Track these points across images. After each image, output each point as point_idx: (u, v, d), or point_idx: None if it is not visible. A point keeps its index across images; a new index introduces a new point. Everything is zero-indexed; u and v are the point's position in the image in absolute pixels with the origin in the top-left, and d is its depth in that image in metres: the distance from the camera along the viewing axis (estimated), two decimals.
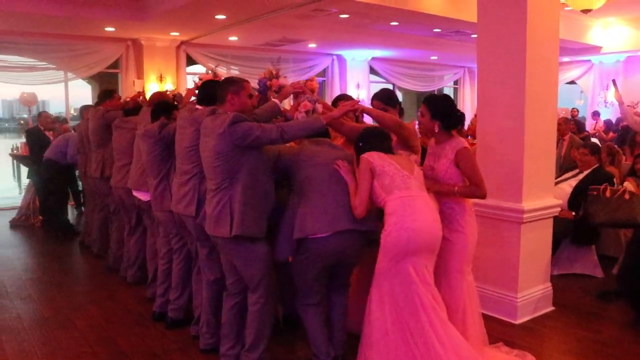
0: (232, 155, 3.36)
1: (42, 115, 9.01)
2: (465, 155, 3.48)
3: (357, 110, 3.69)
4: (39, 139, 8.41)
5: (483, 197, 3.52)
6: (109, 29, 10.31)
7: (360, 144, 3.44)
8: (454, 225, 3.56)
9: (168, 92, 6.52)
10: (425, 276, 3.22)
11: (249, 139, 3.33)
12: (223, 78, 4.52)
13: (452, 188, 3.51)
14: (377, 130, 3.58)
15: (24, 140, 9.97)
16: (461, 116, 3.58)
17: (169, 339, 4.29)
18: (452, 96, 18.50)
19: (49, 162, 7.83)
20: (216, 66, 4.96)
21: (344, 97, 4.56)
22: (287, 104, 4.31)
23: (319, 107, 3.78)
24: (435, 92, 17.64)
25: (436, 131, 3.56)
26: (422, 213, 3.20)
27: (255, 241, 3.47)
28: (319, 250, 3.40)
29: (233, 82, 3.62)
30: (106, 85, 14.03)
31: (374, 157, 3.32)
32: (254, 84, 4.34)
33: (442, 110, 3.54)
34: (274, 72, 4.62)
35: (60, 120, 9.60)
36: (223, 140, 3.34)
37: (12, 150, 10.69)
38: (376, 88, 15.14)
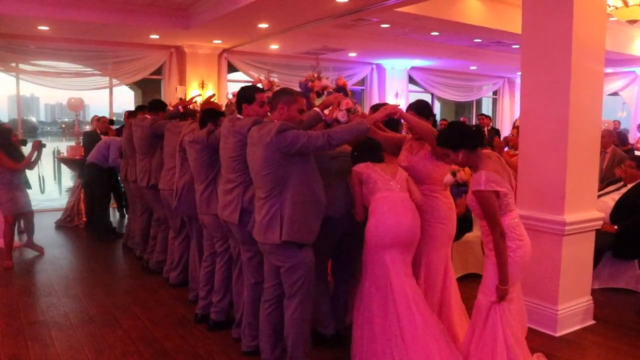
0: (281, 164, 3.43)
1: (102, 120, 9.28)
2: (478, 197, 3.31)
3: (396, 114, 3.75)
4: (95, 142, 8.54)
5: (502, 237, 3.29)
6: (154, 36, 10.57)
7: (355, 153, 3.89)
8: (489, 245, 3.45)
9: (180, 99, 6.71)
10: (401, 267, 3.64)
11: (295, 147, 3.39)
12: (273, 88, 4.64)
13: (499, 273, 3.35)
14: (370, 141, 3.93)
15: (68, 143, 10.27)
16: (477, 131, 3.45)
17: (212, 341, 4.39)
18: (491, 107, 18.37)
19: (91, 165, 8.02)
20: (270, 74, 5.01)
21: (380, 106, 4.61)
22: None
23: (359, 108, 3.85)
24: (474, 102, 17.58)
25: (461, 160, 3.43)
26: (398, 211, 3.64)
27: (302, 247, 3.54)
28: (335, 228, 3.92)
29: (288, 93, 3.65)
30: (149, 92, 14.38)
31: (361, 168, 3.78)
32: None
33: (458, 139, 3.39)
34: (315, 75, 4.68)
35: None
36: (270, 149, 3.41)
37: (55, 153, 10.97)
38: (415, 97, 15.16)
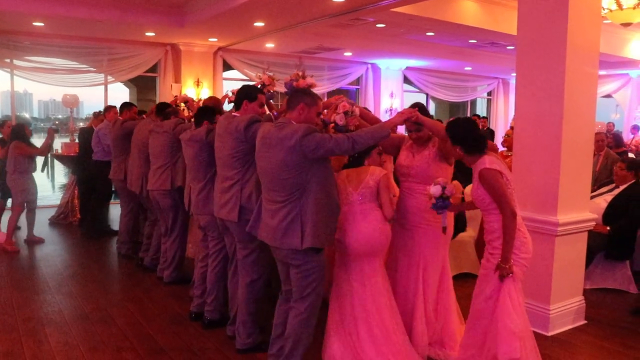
0: (303, 167, 3.33)
1: (99, 118, 9.06)
2: (484, 176, 3.39)
3: (413, 118, 3.77)
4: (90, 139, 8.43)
5: (513, 216, 3.36)
6: (149, 33, 10.55)
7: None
8: (494, 242, 3.49)
9: (176, 96, 6.73)
10: (367, 274, 3.76)
11: (321, 151, 3.30)
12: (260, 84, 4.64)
13: (504, 251, 3.37)
14: None
15: (62, 140, 10.25)
16: (481, 139, 3.51)
17: (206, 338, 4.41)
18: (485, 107, 18.42)
19: (97, 162, 7.94)
20: (267, 72, 4.98)
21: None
22: None
23: (356, 109, 3.84)
24: (468, 102, 17.62)
25: (457, 155, 3.58)
26: (357, 226, 3.72)
27: (319, 251, 3.48)
28: None
29: (309, 94, 3.57)
30: (144, 89, 14.36)
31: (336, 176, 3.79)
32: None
33: (461, 135, 3.50)
34: (300, 74, 4.69)
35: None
36: (294, 153, 3.30)
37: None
38: (409, 97, 15.25)
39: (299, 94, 3.56)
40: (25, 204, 7.46)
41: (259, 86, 4.58)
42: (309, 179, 3.35)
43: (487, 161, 3.41)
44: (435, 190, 3.58)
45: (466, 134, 3.49)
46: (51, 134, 7.81)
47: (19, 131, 7.41)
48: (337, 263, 3.89)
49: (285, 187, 3.38)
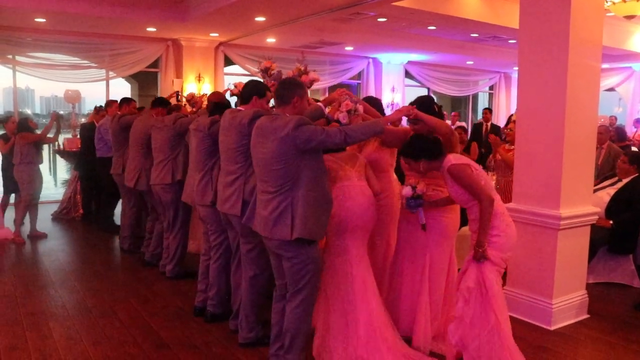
0: (294, 158, 3.33)
1: (100, 114, 9.05)
2: (453, 172, 3.50)
3: (411, 115, 3.78)
4: (92, 134, 8.35)
5: (490, 203, 3.42)
6: (151, 29, 10.54)
7: None
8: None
9: (177, 93, 6.75)
10: (361, 249, 3.90)
11: (313, 143, 3.30)
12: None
13: (479, 235, 3.46)
14: None
15: (65, 135, 10.24)
16: (437, 142, 3.64)
17: (208, 332, 4.41)
18: (487, 101, 18.39)
19: (101, 159, 7.94)
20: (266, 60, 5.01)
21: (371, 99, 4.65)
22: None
23: (360, 107, 3.83)
24: (470, 97, 17.57)
25: (423, 169, 3.66)
26: (356, 199, 3.84)
27: (311, 243, 3.47)
28: None
29: (301, 86, 3.58)
30: (145, 84, 14.36)
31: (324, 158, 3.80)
32: None
33: (420, 149, 3.62)
34: (302, 69, 4.67)
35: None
36: (286, 143, 3.31)
37: (51, 145, 10.86)
38: (411, 92, 15.23)
39: (291, 87, 3.55)
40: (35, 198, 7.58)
41: (263, 70, 4.60)
42: (301, 170, 3.36)
43: (452, 158, 3.56)
44: (406, 191, 3.80)
45: (422, 146, 3.63)
46: (55, 117, 7.85)
47: (24, 123, 7.60)
48: (332, 250, 3.88)
49: (277, 177, 3.39)
